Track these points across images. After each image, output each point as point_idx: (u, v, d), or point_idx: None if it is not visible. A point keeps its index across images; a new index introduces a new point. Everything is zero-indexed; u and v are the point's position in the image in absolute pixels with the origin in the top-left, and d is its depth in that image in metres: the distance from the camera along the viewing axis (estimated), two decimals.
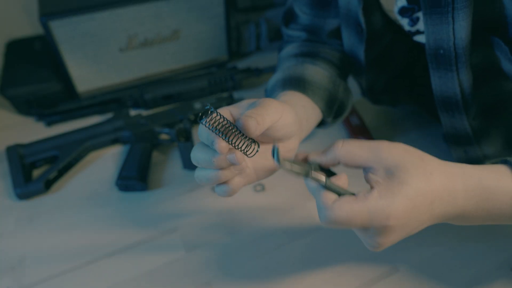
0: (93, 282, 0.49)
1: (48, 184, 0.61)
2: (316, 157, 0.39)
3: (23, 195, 0.60)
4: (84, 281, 0.49)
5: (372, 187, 0.35)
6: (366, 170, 0.37)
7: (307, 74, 0.56)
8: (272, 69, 0.83)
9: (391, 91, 0.69)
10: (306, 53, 0.61)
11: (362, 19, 0.53)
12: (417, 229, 0.37)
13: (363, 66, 0.59)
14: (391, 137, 0.69)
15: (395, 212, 0.34)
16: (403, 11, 0.51)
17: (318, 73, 0.57)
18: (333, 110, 0.57)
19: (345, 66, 0.63)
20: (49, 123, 0.74)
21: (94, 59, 0.76)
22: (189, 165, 0.64)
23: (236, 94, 0.81)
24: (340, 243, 0.52)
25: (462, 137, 0.54)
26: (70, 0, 0.71)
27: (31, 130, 0.73)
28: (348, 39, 0.59)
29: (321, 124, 0.58)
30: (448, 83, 0.48)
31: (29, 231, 0.56)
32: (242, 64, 0.89)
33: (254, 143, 0.38)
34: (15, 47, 0.84)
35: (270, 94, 0.57)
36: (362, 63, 0.59)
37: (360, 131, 0.69)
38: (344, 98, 0.59)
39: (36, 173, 0.65)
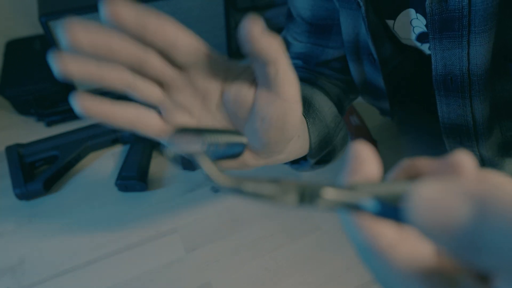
0: (93, 282, 0.49)
1: (48, 184, 0.61)
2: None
3: (22, 195, 0.60)
4: (84, 281, 0.49)
5: None
6: None
7: (315, 99, 0.47)
8: None
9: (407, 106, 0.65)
10: (305, 79, 0.54)
11: (373, 49, 0.49)
12: None
13: (384, 93, 0.55)
14: (391, 137, 0.69)
15: None
16: (421, 37, 0.47)
17: (327, 104, 0.49)
18: (321, 154, 0.47)
19: (341, 101, 0.56)
20: (49, 123, 0.74)
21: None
22: (188, 167, 0.64)
23: None
24: (340, 243, 0.52)
25: None
26: (70, 0, 0.71)
27: (31, 130, 0.73)
28: (359, 71, 0.54)
29: (296, 162, 0.48)
30: (459, 110, 0.44)
31: (29, 231, 0.56)
32: (242, 64, 0.89)
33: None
34: (15, 47, 0.84)
35: None
36: (383, 90, 0.54)
37: (361, 131, 0.69)
38: (338, 145, 0.49)
39: (36, 173, 0.64)
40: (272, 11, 0.90)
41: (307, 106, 0.46)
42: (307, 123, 0.44)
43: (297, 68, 0.56)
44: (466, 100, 0.42)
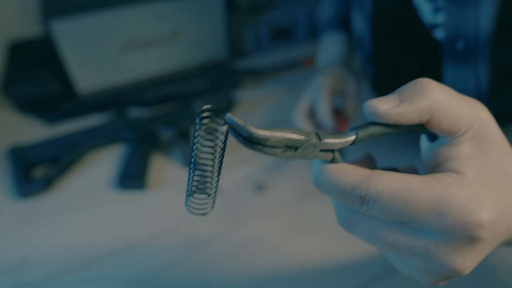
0: (93, 282, 0.49)
1: (48, 184, 0.61)
2: (391, 108, 0.24)
3: (24, 195, 0.60)
4: (84, 281, 0.50)
5: (449, 169, 0.24)
6: (442, 141, 0.26)
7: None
8: (272, 69, 0.83)
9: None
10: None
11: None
12: (494, 246, 0.25)
13: (371, 53, 0.59)
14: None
15: (490, 214, 0.23)
16: None
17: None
18: None
19: None
20: (51, 122, 0.75)
21: (95, 59, 0.76)
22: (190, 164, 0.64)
23: (236, 94, 0.81)
24: (340, 242, 0.52)
25: None
26: (71, 0, 0.72)
27: (33, 130, 0.73)
28: (359, 23, 0.59)
29: None
30: (463, 76, 0.43)
31: (30, 231, 0.56)
32: (242, 64, 0.89)
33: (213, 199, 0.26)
34: (18, 47, 0.85)
35: (324, 29, 0.68)
36: (370, 49, 0.58)
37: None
38: None
39: (37, 173, 0.65)
40: (273, 11, 0.90)
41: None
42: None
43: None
44: (471, 65, 0.42)
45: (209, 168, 0.24)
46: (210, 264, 0.51)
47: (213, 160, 0.23)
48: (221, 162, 0.24)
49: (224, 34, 0.84)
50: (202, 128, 0.22)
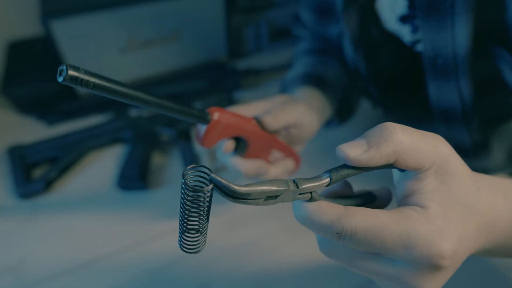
0: (93, 282, 0.49)
1: (48, 184, 0.61)
2: (360, 154, 0.26)
3: (24, 195, 0.60)
4: (85, 281, 0.50)
5: (415, 203, 0.27)
6: (409, 175, 0.28)
7: (326, 73, 0.58)
8: (272, 69, 0.83)
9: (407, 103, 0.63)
10: (319, 50, 0.63)
11: (348, 34, 0.52)
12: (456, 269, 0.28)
13: (368, 80, 0.56)
14: None
15: (451, 245, 0.25)
16: (403, 19, 0.48)
17: (336, 75, 0.59)
18: (344, 112, 0.61)
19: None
20: (50, 123, 0.75)
21: (94, 59, 0.76)
22: (190, 163, 0.64)
23: (236, 94, 0.81)
24: None
25: (460, 150, 0.50)
26: (71, 0, 0.72)
27: (32, 130, 0.73)
28: (351, 52, 0.56)
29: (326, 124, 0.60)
30: (447, 93, 0.45)
31: (30, 231, 0.56)
32: (242, 64, 0.89)
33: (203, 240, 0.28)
34: (18, 47, 0.84)
35: (289, 86, 0.58)
36: (366, 76, 0.55)
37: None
38: (355, 102, 0.63)
39: (37, 173, 0.65)
40: (272, 11, 0.91)
41: (322, 82, 0.56)
42: (326, 95, 0.55)
43: (312, 39, 0.65)
44: (453, 82, 0.44)
45: (198, 217, 0.26)
46: (210, 264, 0.51)
47: (201, 211, 0.26)
48: (209, 209, 0.26)
49: (224, 34, 0.84)
50: (188, 189, 0.24)
